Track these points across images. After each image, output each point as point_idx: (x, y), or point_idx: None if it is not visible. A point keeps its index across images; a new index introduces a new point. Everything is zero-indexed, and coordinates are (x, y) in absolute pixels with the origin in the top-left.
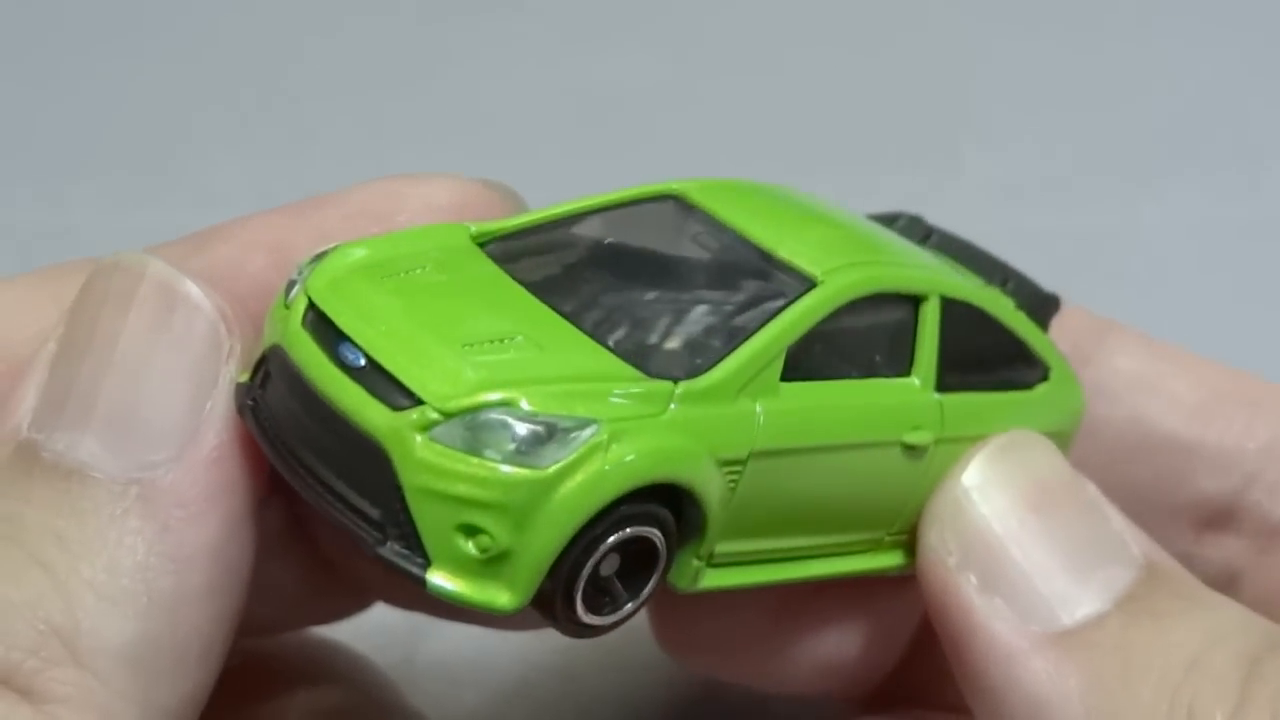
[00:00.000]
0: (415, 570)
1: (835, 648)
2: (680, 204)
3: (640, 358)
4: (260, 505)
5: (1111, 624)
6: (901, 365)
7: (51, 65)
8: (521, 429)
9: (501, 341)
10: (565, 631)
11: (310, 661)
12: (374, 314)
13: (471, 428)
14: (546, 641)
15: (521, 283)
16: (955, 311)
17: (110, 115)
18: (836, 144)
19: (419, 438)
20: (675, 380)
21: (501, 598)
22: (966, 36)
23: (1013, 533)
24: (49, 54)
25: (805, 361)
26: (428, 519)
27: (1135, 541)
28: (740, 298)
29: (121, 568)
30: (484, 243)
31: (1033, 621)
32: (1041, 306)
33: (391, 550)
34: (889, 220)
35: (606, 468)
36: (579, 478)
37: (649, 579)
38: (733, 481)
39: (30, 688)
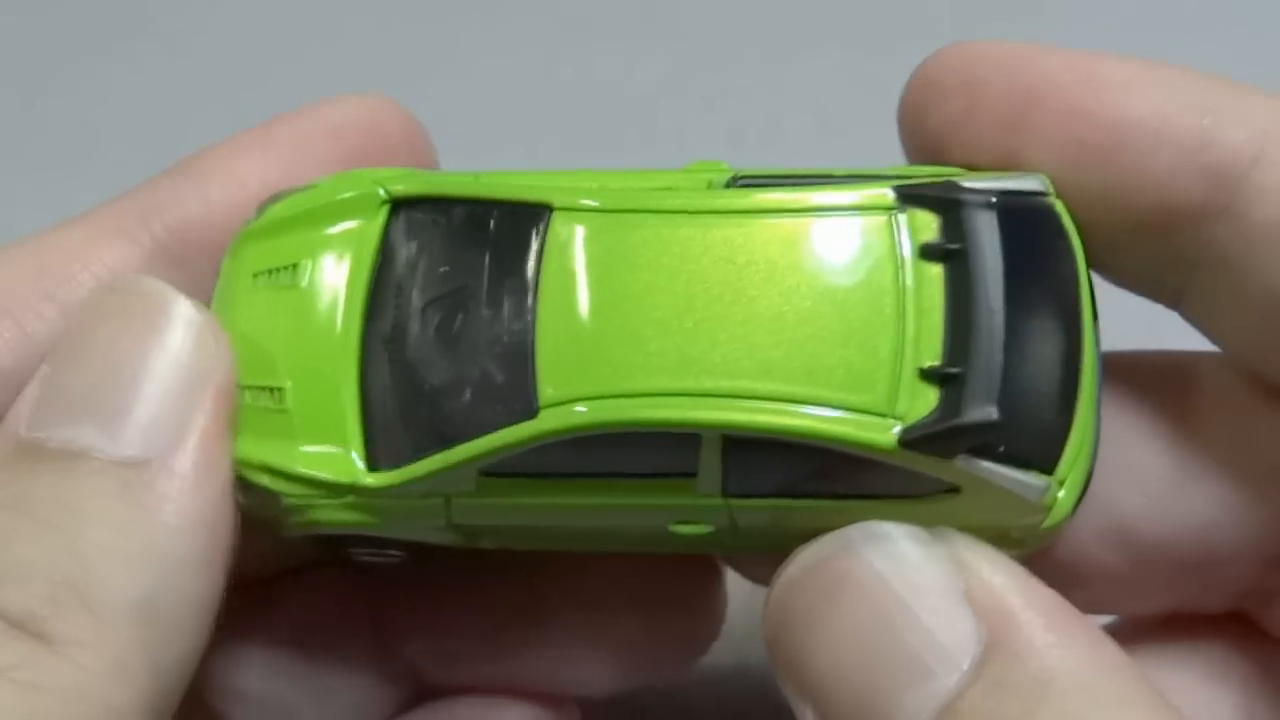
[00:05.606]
0: None
1: None
2: (539, 234)
3: (374, 428)
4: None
5: None
6: (690, 468)
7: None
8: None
9: (270, 391)
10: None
11: None
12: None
13: None
14: None
15: (367, 296)
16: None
17: (108, 114)
18: (836, 144)
19: None
20: (373, 469)
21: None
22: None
23: (822, 666)
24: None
25: (541, 461)
26: None
27: (982, 617)
28: (477, 394)
29: (127, 533)
30: (398, 203)
31: None
32: (949, 435)
33: None
34: (1008, 197)
35: (289, 523)
36: (285, 524)
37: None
38: (450, 529)
39: (47, 631)
